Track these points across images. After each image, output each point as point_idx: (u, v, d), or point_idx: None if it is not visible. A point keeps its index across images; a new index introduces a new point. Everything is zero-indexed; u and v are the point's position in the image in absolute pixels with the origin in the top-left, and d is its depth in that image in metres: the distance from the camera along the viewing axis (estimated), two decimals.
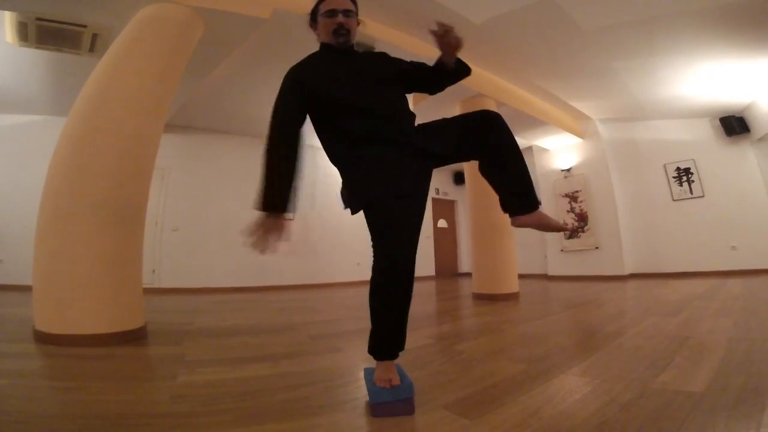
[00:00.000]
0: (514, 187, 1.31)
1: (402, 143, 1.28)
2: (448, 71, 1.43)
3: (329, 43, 1.39)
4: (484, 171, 1.37)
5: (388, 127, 1.30)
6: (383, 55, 1.50)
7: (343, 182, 1.36)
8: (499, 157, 1.30)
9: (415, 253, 1.26)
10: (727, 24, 3.93)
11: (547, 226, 1.32)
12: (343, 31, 1.36)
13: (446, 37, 1.31)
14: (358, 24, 1.44)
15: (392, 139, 1.28)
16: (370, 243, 1.27)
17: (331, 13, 1.35)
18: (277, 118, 1.28)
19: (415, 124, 1.39)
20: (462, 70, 1.46)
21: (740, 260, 5.84)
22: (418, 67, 1.48)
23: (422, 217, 1.31)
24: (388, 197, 1.21)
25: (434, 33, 1.31)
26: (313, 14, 1.42)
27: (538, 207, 1.30)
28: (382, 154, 1.26)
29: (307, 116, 1.35)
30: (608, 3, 3.71)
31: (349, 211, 1.32)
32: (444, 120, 1.36)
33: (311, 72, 1.34)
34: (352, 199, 1.30)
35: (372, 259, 1.27)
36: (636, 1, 3.66)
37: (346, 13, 1.36)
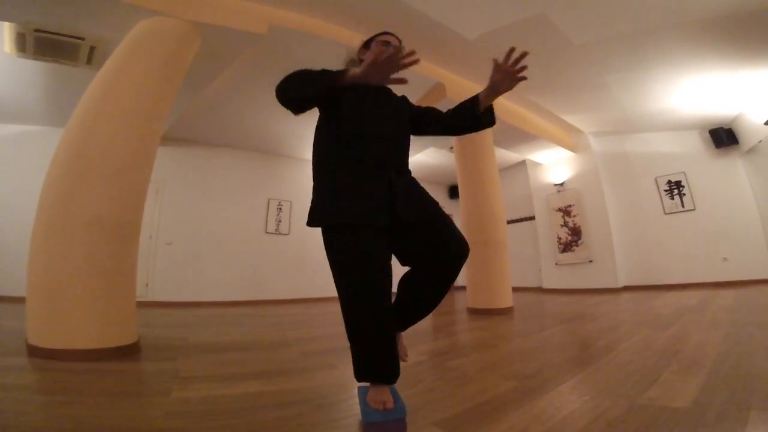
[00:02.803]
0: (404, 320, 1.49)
1: (386, 172, 1.34)
2: (475, 114, 1.49)
3: None
4: (411, 279, 1.44)
5: (383, 149, 1.36)
6: (405, 98, 1.63)
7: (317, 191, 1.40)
8: (433, 289, 1.43)
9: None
10: (714, 37, 4.04)
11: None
12: None
13: (510, 71, 1.38)
14: None
15: (380, 164, 1.34)
16: None
17: (386, 43, 1.53)
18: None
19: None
20: (489, 120, 1.53)
21: (732, 271, 5.91)
22: (429, 109, 1.60)
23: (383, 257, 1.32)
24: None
25: (501, 62, 1.38)
26: (368, 42, 1.60)
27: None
28: (362, 179, 1.31)
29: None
30: (599, 17, 3.81)
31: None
32: (438, 210, 1.40)
33: None
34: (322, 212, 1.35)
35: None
36: (626, 16, 3.77)
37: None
